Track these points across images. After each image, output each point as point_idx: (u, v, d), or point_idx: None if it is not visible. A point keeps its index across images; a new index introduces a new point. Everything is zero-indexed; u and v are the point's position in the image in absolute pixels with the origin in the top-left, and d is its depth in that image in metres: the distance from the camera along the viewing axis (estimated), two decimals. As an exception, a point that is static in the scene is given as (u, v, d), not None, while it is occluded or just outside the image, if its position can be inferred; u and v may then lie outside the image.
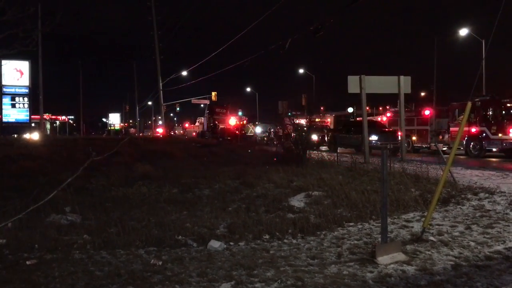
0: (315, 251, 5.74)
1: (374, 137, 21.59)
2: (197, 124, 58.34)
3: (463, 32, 33.43)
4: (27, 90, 36.72)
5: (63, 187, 3.78)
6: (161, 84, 38.56)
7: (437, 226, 6.77)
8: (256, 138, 39.07)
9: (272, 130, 35.19)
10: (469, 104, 6.63)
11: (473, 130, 20.27)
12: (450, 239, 6.08)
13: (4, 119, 36.31)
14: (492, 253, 5.40)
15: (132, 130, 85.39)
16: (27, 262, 5.29)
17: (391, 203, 7.89)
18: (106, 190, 10.35)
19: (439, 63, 39.50)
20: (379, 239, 5.64)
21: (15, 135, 33.21)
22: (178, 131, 72.44)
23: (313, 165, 14.25)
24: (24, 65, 36.02)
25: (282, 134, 20.43)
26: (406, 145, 20.46)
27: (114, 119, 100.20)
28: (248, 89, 67.68)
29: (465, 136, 20.28)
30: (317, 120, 20.53)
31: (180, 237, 6.37)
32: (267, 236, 6.50)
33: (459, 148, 20.06)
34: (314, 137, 23.89)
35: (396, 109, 26.05)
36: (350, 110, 45.55)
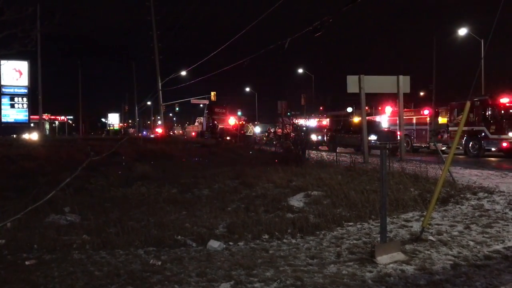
0: (314, 250, 5.74)
1: (373, 137, 21.61)
2: (196, 124, 58.37)
3: (462, 31, 33.46)
4: (26, 90, 36.72)
5: (62, 187, 3.78)
6: (160, 84, 38.54)
7: (436, 226, 6.78)
8: (255, 138, 39.05)
9: (271, 130, 35.19)
10: (468, 103, 6.64)
11: (472, 129, 20.28)
12: (449, 238, 6.08)
13: (3, 120, 36.29)
14: (491, 253, 5.41)
15: (131, 130, 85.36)
16: (26, 262, 5.29)
17: (390, 202, 7.89)
18: (105, 190, 10.35)
19: (438, 62, 39.52)
20: (378, 239, 5.64)
21: (14, 136, 33.18)
22: (177, 131, 72.45)
23: (312, 165, 14.25)
24: (23, 65, 36.02)
25: (281, 134, 20.43)
26: (405, 144, 20.48)
27: (113, 119, 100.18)
28: (248, 89, 67.70)
29: (464, 136, 20.29)
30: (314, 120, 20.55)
31: (179, 237, 6.36)
32: (266, 236, 6.51)
33: (458, 148, 20.07)
34: (313, 137, 23.93)
35: (395, 108, 26.07)
36: (349, 110, 45.56)
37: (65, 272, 4.94)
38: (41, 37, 28.52)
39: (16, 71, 35.84)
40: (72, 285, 4.59)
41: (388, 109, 27.65)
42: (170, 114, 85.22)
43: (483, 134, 19.90)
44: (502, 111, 19.60)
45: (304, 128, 17.49)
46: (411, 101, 33.65)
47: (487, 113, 20.09)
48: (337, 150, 19.94)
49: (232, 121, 42.73)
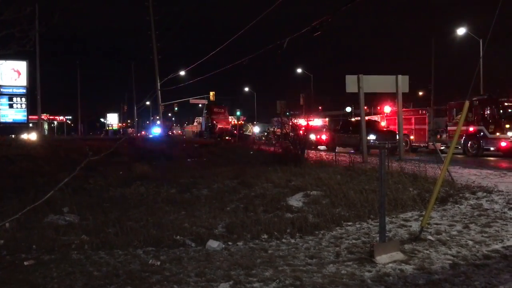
0: (314, 250, 5.74)
1: (372, 137, 21.62)
2: (195, 124, 58.32)
3: (461, 31, 33.47)
4: (24, 91, 36.58)
5: (61, 187, 3.77)
6: (159, 84, 38.52)
7: (435, 225, 6.78)
8: (254, 138, 39.06)
9: (271, 129, 35.21)
10: (467, 103, 6.63)
11: (471, 129, 20.29)
12: (448, 238, 6.08)
13: (2, 120, 36.17)
14: (490, 252, 5.41)
15: (130, 130, 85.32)
16: (25, 263, 5.28)
17: (389, 202, 7.89)
18: (104, 190, 10.34)
19: (437, 62, 39.54)
20: (377, 239, 5.64)
21: (13, 136, 33.11)
22: (176, 131, 72.41)
23: (311, 164, 14.26)
24: (21, 65, 35.90)
25: (280, 133, 20.42)
26: (404, 144, 20.48)
27: (112, 119, 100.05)
28: (246, 89, 67.70)
29: (463, 135, 20.30)
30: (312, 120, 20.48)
31: (178, 237, 6.36)
32: (265, 236, 6.50)
33: (457, 147, 20.07)
34: (313, 136, 23.91)
35: (394, 108, 26.08)
36: (348, 109, 45.58)
37: (64, 273, 4.94)
38: (39, 37, 28.38)
39: (15, 71, 35.72)
40: (71, 285, 4.58)
41: (387, 108, 27.65)
42: (169, 114, 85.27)
43: (482, 133, 19.91)
44: (501, 111, 19.61)
45: (303, 128, 17.45)
46: (410, 101, 33.67)
47: (485, 113, 20.10)
48: (336, 150, 19.95)
49: (231, 120, 42.70)
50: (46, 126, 66.94)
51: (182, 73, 39.93)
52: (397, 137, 19.56)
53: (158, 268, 5.08)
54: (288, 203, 8.70)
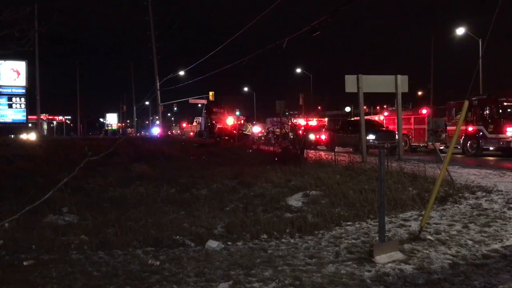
0: (313, 250, 5.74)
1: (371, 136, 21.63)
2: (194, 124, 58.30)
3: (460, 31, 33.49)
4: (24, 91, 36.58)
5: (60, 187, 3.77)
6: (158, 84, 38.52)
7: (434, 225, 6.78)
8: (254, 138, 39.04)
9: (270, 129, 35.15)
10: (466, 103, 6.63)
11: (470, 129, 20.31)
12: (447, 238, 6.09)
13: (1, 120, 36.17)
14: (490, 252, 5.41)
15: (129, 130, 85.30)
16: (24, 263, 5.28)
17: (389, 202, 7.89)
18: (103, 190, 10.33)
19: (436, 62, 39.57)
20: (377, 238, 5.64)
21: (12, 136, 33.09)
22: (176, 131, 72.41)
23: (311, 164, 14.26)
24: (20, 65, 35.90)
25: (280, 133, 20.44)
26: (403, 144, 20.49)
27: (112, 119, 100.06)
28: (246, 89, 67.71)
29: (462, 135, 20.31)
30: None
31: (177, 237, 6.35)
32: (265, 236, 6.50)
33: (456, 147, 20.09)
34: (312, 136, 23.92)
35: (393, 108, 26.09)
36: (348, 109, 45.63)
37: (63, 273, 4.93)
38: (38, 37, 28.45)
39: (14, 71, 35.73)
40: (70, 285, 4.58)
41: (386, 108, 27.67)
42: (169, 114, 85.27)
43: (481, 133, 19.93)
44: (500, 110, 19.62)
45: (302, 128, 17.45)
46: (410, 101, 33.70)
47: (485, 112, 20.12)
48: (336, 150, 19.96)
49: (230, 120, 42.67)
50: (45, 126, 66.90)
51: (182, 73, 39.98)
52: (396, 137, 19.57)
53: (158, 268, 5.07)
54: (288, 203, 8.70)
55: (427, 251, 5.50)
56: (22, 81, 36.27)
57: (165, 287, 4.52)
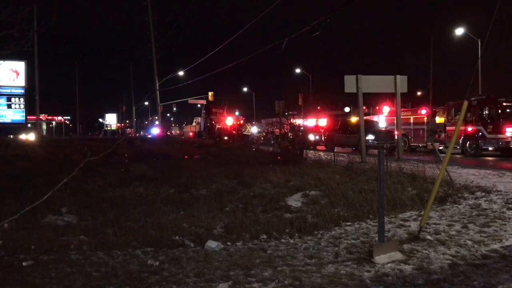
0: (313, 250, 5.74)
1: (371, 137, 21.64)
2: (194, 124, 58.28)
3: (459, 31, 33.49)
4: (23, 91, 36.56)
5: (60, 187, 3.76)
6: (157, 84, 38.49)
7: (434, 225, 6.78)
8: (253, 138, 39.05)
9: (269, 129, 35.13)
10: (465, 103, 6.64)
11: (469, 129, 20.32)
12: (447, 238, 6.09)
13: (0, 120, 36.14)
14: (489, 252, 5.42)
15: (128, 130, 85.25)
16: (24, 263, 5.27)
17: (388, 202, 7.90)
18: (102, 190, 10.33)
19: (435, 62, 39.61)
20: (376, 239, 5.64)
21: (11, 136, 33.07)
22: (175, 131, 72.40)
23: (310, 164, 14.26)
24: (20, 66, 35.88)
25: (279, 133, 20.44)
26: (402, 144, 20.49)
27: (111, 120, 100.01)
28: (245, 89, 67.70)
29: (462, 135, 20.33)
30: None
31: (177, 237, 6.35)
32: (264, 236, 6.50)
33: (456, 147, 20.10)
34: (311, 136, 23.94)
35: (392, 108, 26.09)
36: (347, 109, 45.61)
37: (63, 273, 4.93)
38: (38, 37, 28.42)
39: (13, 71, 35.70)
40: (69, 286, 4.57)
41: (386, 108, 27.67)
42: (168, 114, 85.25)
43: (480, 133, 19.94)
44: (499, 111, 19.64)
45: (302, 128, 17.48)
46: (409, 101, 33.68)
47: (484, 113, 20.13)
48: (335, 150, 19.96)
49: (229, 121, 42.66)
50: (44, 126, 66.84)
51: (181, 73, 39.94)
52: (396, 137, 19.58)
53: (157, 268, 5.07)
54: (287, 203, 8.70)
55: (427, 251, 5.50)
56: (21, 81, 36.24)
57: (165, 287, 4.51)
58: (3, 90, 36.16)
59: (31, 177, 11.67)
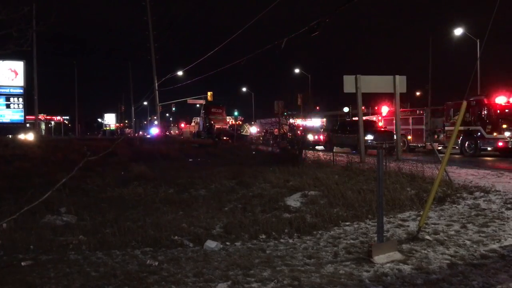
0: (312, 250, 5.74)
1: (370, 137, 21.65)
2: (193, 124, 58.29)
3: (458, 31, 33.53)
4: (21, 91, 36.48)
5: (58, 187, 3.76)
6: (156, 84, 38.44)
7: (433, 225, 6.79)
8: (252, 138, 39.05)
9: (268, 129, 35.13)
10: (464, 103, 6.65)
11: (468, 129, 20.33)
12: (445, 238, 6.09)
13: (-1, 120, 36.08)
14: (488, 252, 5.42)
15: (127, 130, 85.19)
16: (22, 263, 5.27)
17: (387, 202, 7.91)
18: (101, 190, 10.33)
19: (434, 62, 39.62)
20: (375, 239, 5.65)
21: (10, 136, 33.02)
22: (174, 131, 72.35)
23: (309, 164, 14.27)
24: (18, 65, 35.80)
25: (278, 133, 20.43)
26: (401, 144, 20.50)
27: (110, 119, 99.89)
28: (244, 89, 67.68)
29: (460, 135, 20.34)
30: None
31: (176, 237, 6.35)
32: (263, 236, 6.50)
33: (454, 147, 20.12)
34: (310, 136, 23.93)
35: (391, 108, 26.10)
36: (346, 109, 45.66)
37: (61, 273, 4.92)
38: (36, 37, 28.41)
39: (12, 71, 35.62)
40: (68, 286, 4.57)
41: (385, 109, 27.69)
42: (167, 114, 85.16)
43: (479, 133, 19.96)
44: (498, 111, 19.66)
45: (301, 128, 17.46)
46: (408, 101, 33.73)
47: (483, 113, 20.15)
48: (334, 150, 19.97)
49: (228, 121, 42.70)
50: (43, 126, 66.77)
51: (180, 73, 39.84)
52: (395, 137, 19.59)
53: (156, 268, 5.07)
54: (286, 203, 8.70)
55: (426, 251, 5.50)
56: (20, 81, 36.16)
57: (164, 287, 4.51)
58: (2, 90, 36.08)
59: (30, 177, 11.65)
